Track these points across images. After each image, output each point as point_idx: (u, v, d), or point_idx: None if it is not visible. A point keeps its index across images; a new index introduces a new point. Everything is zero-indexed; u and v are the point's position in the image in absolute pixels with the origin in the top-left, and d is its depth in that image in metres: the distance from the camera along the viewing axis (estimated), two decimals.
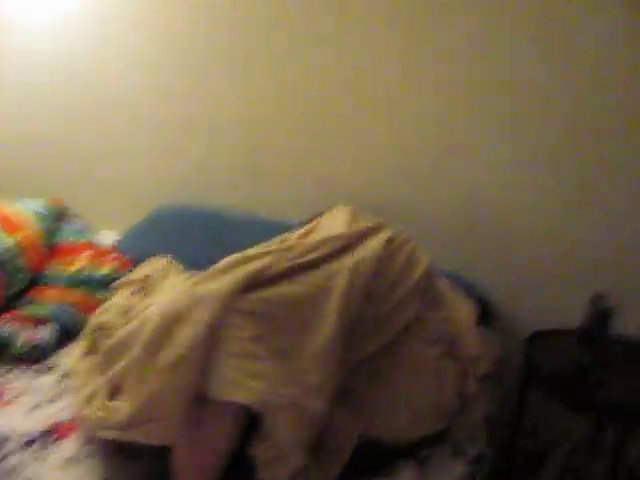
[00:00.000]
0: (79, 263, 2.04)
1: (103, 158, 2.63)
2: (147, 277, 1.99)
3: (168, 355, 1.33)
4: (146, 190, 2.59)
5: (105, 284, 2.03)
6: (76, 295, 1.95)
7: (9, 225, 1.94)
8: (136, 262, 2.21)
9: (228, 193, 2.53)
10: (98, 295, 2.00)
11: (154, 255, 2.21)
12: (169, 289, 1.83)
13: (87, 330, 1.83)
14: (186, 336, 1.33)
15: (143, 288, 1.95)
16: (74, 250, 2.10)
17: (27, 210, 2.04)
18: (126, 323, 1.74)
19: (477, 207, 2.20)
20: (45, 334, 1.80)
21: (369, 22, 2.19)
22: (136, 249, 2.29)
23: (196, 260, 2.08)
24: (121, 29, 2.47)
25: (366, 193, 2.31)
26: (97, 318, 1.83)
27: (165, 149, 2.57)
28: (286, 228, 1.92)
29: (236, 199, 2.49)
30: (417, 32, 2.14)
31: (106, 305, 1.90)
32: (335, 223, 1.83)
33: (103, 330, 1.77)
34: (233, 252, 1.95)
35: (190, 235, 2.35)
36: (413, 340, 1.56)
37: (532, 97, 2.05)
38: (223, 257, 1.93)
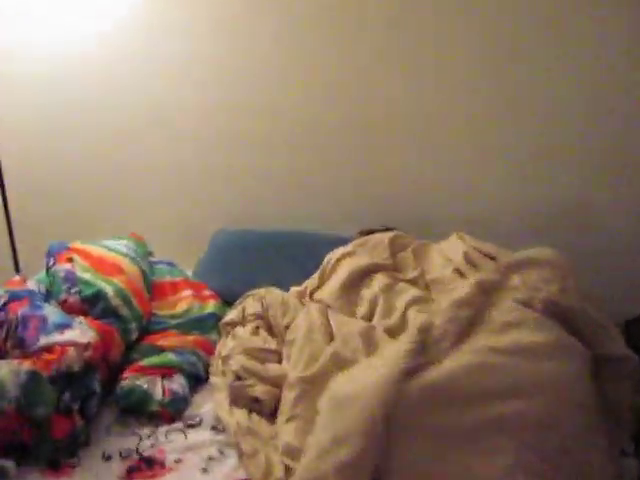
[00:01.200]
0: (184, 303, 1.85)
1: (154, 194, 2.50)
2: (260, 314, 1.83)
3: (342, 453, 1.18)
4: (201, 219, 2.46)
5: (214, 324, 1.85)
6: (191, 339, 1.75)
7: (107, 268, 1.71)
8: (220, 295, 2.05)
9: (279, 215, 2.45)
10: (210, 335, 1.81)
11: (233, 285, 2.07)
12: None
13: (218, 374, 1.67)
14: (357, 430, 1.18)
15: (266, 327, 1.81)
16: (174, 289, 1.90)
17: (117, 250, 1.81)
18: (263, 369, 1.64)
19: (557, 205, 2.27)
20: (179, 385, 1.60)
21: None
22: (214, 281, 2.12)
23: (278, 281, 2.01)
24: (167, 47, 2.35)
25: (426, 207, 2.36)
26: (227, 363, 1.67)
27: (215, 175, 2.46)
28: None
29: (287, 220, 2.42)
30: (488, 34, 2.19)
31: (228, 347, 1.73)
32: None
33: (244, 378, 1.61)
34: (310, 270, 1.90)
35: (262, 258, 2.23)
36: None
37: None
38: (302, 275, 1.95)
